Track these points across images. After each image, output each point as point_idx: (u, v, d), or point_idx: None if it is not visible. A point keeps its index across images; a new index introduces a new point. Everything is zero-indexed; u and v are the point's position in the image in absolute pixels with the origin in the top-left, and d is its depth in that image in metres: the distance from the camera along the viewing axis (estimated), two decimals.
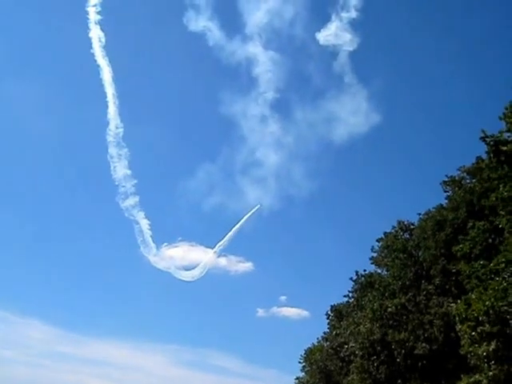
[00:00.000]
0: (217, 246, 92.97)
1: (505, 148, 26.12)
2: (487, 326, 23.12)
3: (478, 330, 24.00)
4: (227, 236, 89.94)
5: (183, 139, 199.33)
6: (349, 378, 48.31)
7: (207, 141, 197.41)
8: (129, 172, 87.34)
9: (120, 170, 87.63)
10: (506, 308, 22.33)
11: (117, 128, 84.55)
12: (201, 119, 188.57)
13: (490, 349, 22.99)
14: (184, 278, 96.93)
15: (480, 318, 23.65)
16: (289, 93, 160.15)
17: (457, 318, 26.67)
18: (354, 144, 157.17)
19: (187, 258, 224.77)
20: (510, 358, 23.28)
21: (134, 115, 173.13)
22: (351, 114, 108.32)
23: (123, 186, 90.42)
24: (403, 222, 50.48)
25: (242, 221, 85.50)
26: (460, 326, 26.55)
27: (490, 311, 22.86)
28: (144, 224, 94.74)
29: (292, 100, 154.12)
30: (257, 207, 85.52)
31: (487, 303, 22.96)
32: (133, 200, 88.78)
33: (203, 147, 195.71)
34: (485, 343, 23.46)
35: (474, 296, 25.34)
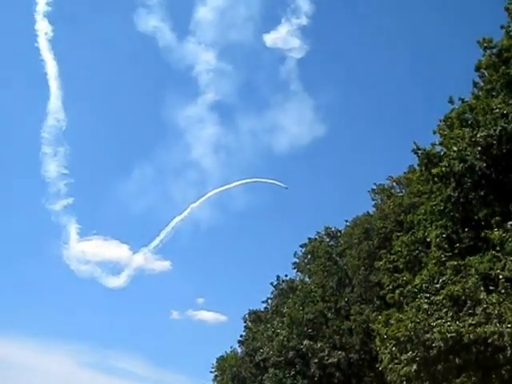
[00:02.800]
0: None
1: (435, 170, 25.57)
2: (409, 349, 22.26)
3: (399, 349, 23.15)
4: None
5: (122, 138, 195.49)
6: None
7: (146, 141, 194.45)
8: (62, 169, 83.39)
9: (53, 166, 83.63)
10: (427, 335, 21.53)
11: (58, 121, 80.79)
12: (142, 119, 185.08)
13: (413, 369, 22.15)
14: (101, 279, 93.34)
15: (401, 339, 22.78)
16: (232, 96, 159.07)
17: (377, 338, 25.79)
18: (295, 155, 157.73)
19: (100, 253, 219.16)
20: (430, 377, 22.55)
21: (75, 112, 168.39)
22: (295, 123, 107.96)
23: (54, 186, 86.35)
24: (330, 228, 49.75)
25: (171, 224, 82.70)
26: (379, 343, 25.65)
27: (412, 334, 22.07)
28: (62, 218, 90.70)
29: (234, 104, 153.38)
30: (187, 210, 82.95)
31: (409, 326, 22.19)
32: (60, 198, 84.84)
33: (142, 147, 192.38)
34: (405, 364, 22.63)
35: (393, 320, 24.52)
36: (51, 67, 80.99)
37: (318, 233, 50.74)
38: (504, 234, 21.85)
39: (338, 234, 48.81)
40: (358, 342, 35.83)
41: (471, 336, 20.37)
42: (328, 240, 48.69)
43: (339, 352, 37.05)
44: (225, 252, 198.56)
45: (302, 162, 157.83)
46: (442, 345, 21.18)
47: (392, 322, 24.21)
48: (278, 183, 76.13)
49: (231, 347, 70.85)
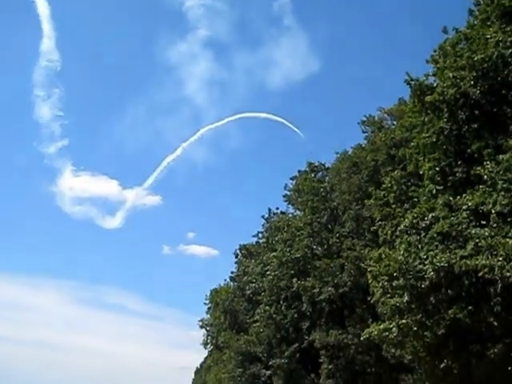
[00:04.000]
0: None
1: (429, 99, 25.01)
2: (401, 279, 22.31)
3: (391, 284, 23.27)
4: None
5: (115, 78, 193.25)
6: (254, 325, 47.70)
7: (139, 79, 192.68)
8: (56, 111, 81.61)
9: (46, 108, 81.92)
10: (419, 266, 21.55)
11: (52, 62, 78.51)
12: (134, 57, 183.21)
13: (404, 300, 22.30)
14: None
15: (394, 274, 22.83)
16: (225, 32, 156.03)
17: (369, 275, 25.86)
18: (289, 91, 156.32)
19: (89, 189, 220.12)
20: (421, 309, 22.76)
21: (68, 53, 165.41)
22: (289, 59, 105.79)
23: (47, 128, 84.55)
24: (313, 164, 49.07)
25: (163, 163, 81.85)
26: (371, 280, 25.77)
27: (403, 267, 22.09)
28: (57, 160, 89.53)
29: (228, 40, 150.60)
30: (180, 149, 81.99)
31: (400, 258, 22.18)
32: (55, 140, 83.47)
33: (134, 86, 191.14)
34: (396, 296, 22.78)
35: (385, 254, 24.52)
36: (43, 8, 78.02)
37: (300, 171, 50.45)
38: (496, 167, 21.56)
39: (323, 167, 48.39)
40: (349, 279, 35.87)
41: (462, 267, 20.37)
42: (313, 175, 48.22)
43: (329, 289, 37.09)
44: (217, 188, 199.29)
45: (296, 98, 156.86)
46: (434, 276, 21.24)
47: (384, 259, 24.16)
48: (293, 127, 75.12)
49: (225, 280, 71.86)
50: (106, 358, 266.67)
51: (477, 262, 19.97)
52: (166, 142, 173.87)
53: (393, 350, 27.34)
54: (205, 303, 75.29)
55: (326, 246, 39.60)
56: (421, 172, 26.18)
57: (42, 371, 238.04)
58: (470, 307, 21.80)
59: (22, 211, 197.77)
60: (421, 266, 21.46)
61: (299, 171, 50.91)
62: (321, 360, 36.98)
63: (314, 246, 40.33)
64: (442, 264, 20.95)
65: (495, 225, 20.63)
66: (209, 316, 75.10)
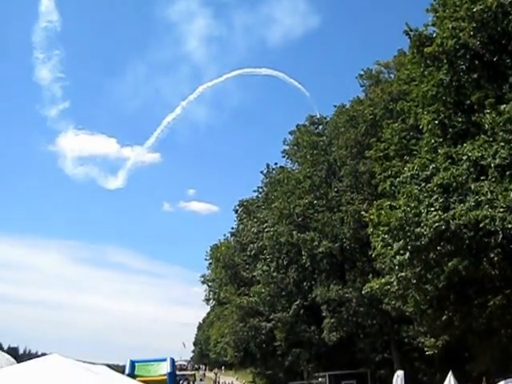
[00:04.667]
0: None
1: (428, 49, 24.53)
2: (401, 241, 22.32)
3: (391, 236, 23.28)
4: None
5: (115, 37, 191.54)
6: (255, 286, 47.84)
7: (139, 38, 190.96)
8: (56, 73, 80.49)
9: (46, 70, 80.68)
10: (417, 230, 21.53)
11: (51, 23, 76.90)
12: (134, 17, 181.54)
13: (406, 257, 22.32)
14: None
15: (393, 227, 22.80)
16: None
17: (369, 224, 25.80)
18: (289, 47, 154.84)
19: (87, 149, 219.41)
20: (421, 263, 22.84)
21: (68, 14, 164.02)
22: (289, 15, 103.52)
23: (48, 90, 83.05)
24: (314, 117, 48.79)
25: (163, 122, 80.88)
26: (372, 230, 25.76)
27: (403, 223, 22.05)
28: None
29: None
30: (179, 108, 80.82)
31: (400, 215, 22.13)
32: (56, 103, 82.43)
33: (134, 46, 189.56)
34: (398, 253, 22.82)
35: (385, 206, 24.45)
36: None
37: (298, 125, 50.12)
38: (496, 117, 21.31)
39: (324, 120, 48.00)
40: (349, 232, 35.81)
41: (463, 219, 20.31)
42: (313, 128, 47.88)
43: (329, 244, 37.07)
44: (217, 145, 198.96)
45: (295, 54, 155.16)
46: (431, 235, 21.25)
47: (384, 209, 24.09)
48: (302, 87, 74.13)
49: (224, 235, 72.15)
50: (108, 316, 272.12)
51: (478, 213, 19.91)
52: (166, 101, 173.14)
53: (394, 303, 27.50)
54: (205, 259, 75.80)
55: (325, 201, 39.36)
56: (420, 125, 25.92)
57: (44, 329, 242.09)
58: (470, 259, 21.87)
59: (23, 174, 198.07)
60: (418, 230, 21.35)
61: (297, 126, 50.60)
62: (323, 314, 37.34)
63: (315, 201, 40.13)
64: (438, 224, 20.91)
65: (494, 179, 20.54)
66: (210, 272, 75.59)
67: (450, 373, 16.82)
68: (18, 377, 14.15)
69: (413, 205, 22.02)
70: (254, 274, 48.65)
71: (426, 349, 29.39)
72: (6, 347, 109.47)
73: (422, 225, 21.29)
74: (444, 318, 24.02)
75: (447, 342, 27.18)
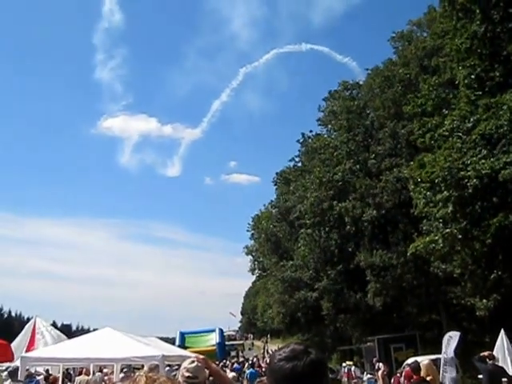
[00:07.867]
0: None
1: (460, 0, 23.79)
2: (444, 192, 21.89)
3: (434, 193, 22.89)
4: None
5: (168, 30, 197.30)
6: (298, 248, 47.94)
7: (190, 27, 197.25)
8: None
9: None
10: (462, 173, 21.05)
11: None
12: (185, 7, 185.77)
13: (449, 211, 21.93)
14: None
15: (436, 181, 22.40)
16: None
17: (410, 181, 25.43)
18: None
19: (127, 128, 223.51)
20: (466, 216, 22.38)
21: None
22: None
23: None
24: (348, 82, 48.16)
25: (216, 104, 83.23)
26: (413, 187, 25.40)
27: (446, 174, 21.58)
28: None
29: None
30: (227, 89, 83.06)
31: (443, 165, 21.63)
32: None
33: (185, 35, 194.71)
34: (441, 207, 22.38)
35: (427, 159, 23.99)
36: None
37: (330, 91, 49.60)
38: None
39: (357, 86, 47.35)
40: (390, 198, 35.20)
41: (507, 173, 19.87)
42: (347, 94, 47.26)
43: (372, 211, 36.49)
44: (254, 116, 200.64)
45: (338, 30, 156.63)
46: (477, 183, 20.85)
47: (425, 164, 23.68)
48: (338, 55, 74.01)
49: (264, 205, 72.48)
50: (156, 290, 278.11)
51: None
52: (211, 84, 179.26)
53: (441, 265, 27.12)
54: (247, 230, 76.41)
55: (363, 169, 38.82)
56: (456, 81, 25.31)
57: (95, 306, 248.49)
58: None
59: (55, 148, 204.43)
60: (463, 173, 20.95)
61: (329, 92, 50.17)
62: (368, 278, 37.12)
63: (354, 167, 39.60)
64: (485, 171, 20.50)
65: None
66: (253, 242, 76.06)
67: (502, 331, 16.49)
68: (76, 346, 14.57)
69: (456, 156, 21.63)
70: (298, 245, 48.57)
71: (477, 311, 28.92)
72: (59, 324, 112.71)
73: (467, 170, 20.85)
74: (493, 276, 23.37)
75: (497, 300, 26.67)
